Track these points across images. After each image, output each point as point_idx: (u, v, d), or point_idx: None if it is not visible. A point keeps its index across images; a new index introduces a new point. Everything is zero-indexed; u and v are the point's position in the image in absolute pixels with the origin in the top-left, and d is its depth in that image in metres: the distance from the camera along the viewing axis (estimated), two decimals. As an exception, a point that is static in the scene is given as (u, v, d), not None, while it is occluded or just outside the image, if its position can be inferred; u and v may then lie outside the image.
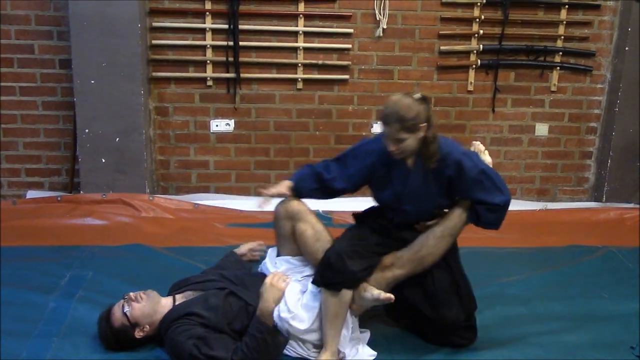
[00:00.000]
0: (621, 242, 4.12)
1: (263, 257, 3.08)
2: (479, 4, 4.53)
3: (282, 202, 2.81)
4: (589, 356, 2.74)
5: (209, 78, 4.53)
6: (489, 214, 2.64)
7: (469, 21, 4.59)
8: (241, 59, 4.50)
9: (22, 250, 3.68)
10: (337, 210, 4.25)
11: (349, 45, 4.56)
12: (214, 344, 2.46)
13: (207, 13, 4.41)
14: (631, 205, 4.80)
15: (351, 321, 2.70)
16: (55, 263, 3.49)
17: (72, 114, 4.42)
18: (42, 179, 4.69)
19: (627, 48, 4.57)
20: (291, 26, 4.50)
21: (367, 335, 2.80)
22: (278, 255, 2.91)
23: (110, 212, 4.31)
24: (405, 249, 2.69)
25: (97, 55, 4.22)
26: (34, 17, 4.38)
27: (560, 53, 4.68)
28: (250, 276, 2.90)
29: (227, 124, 4.65)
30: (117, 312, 2.64)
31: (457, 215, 2.68)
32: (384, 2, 4.46)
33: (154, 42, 4.43)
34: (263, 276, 2.87)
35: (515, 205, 4.67)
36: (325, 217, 4.19)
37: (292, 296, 2.69)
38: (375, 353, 2.71)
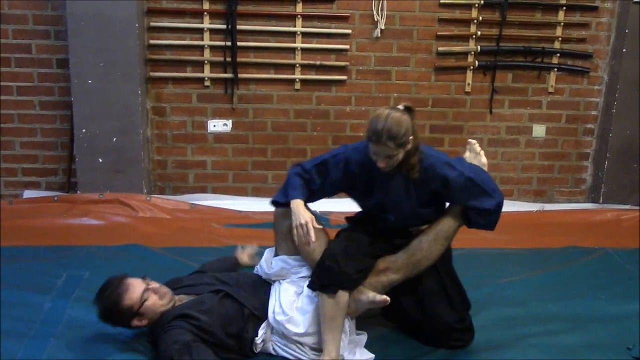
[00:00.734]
0: (618, 244, 4.12)
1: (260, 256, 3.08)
2: (476, 5, 4.53)
3: None
4: (586, 357, 2.74)
5: (206, 78, 4.53)
6: (480, 218, 2.65)
7: (466, 22, 4.59)
8: (239, 59, 4.49)
9: (18, 250, 3.67)
10: (334, 211, 4.24)
11: (347, 46, 4.56)
12: (195, 354, 2.41)
13: (205, 13, 4.41)
14: (628, 207, 4.81)
15: (348, 325, 2.69)
16: (52, 263, 3.49)
17: (70, 113, 4.42)
18: (38, 178, 4.69)
19: (624, 50, 4.57)
20: (289, 27, 4.50)
21: (364, 337, 2.79)
22: (276, 255, 2.91)
23: (107, 212, 4.31)
24: (399, 253, 2.68)
25: (95, 55, 4.22)
26: (31, 17, 4.37)
27: (558, 54, 4.69)
28: (245, 277, 2.89)
29: (225, 124, 4.65)
30: (134, 293, 2.55)
31: (450, 219, 2.68)
32: (382, 3, 4.47)
33: (152, 42, 4.42)
34: (258, 277, 2.87)
35: (512, 207, 4.74)
36: (323, 218, 4.18)
37: (287, 298, 2.69)
38: (373, 355, 2.70)
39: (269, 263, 2.87)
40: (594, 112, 4.86)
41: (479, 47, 4.61)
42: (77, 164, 4.44)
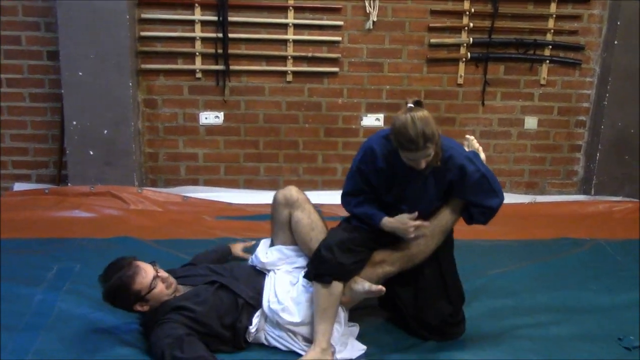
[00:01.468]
0: (609, 235, 4.15)
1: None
2: (469, -4, 4.53)
3: (281, 189, 2.83)
4: (576, 348, 2.75)
5: (198, 70, 4.51)
6: (481, 216, 2.66)
7: (459, 14, 4.58)
8: (230, 51, 4.48)
9: (9, 242, 3.65)
10: (327, 204, 4.24)
11: (339, 38, 4.54)
12: (186, 348, 2.42)
13: (196, 5, 4.39)
14: (619, 199, 4.83)
15: (343, 315, 2.70)
16: (43, 255, 3.48)
17: (60, 106, 4.40)
18: (29, 171, 4.66)
19: (616, 42, 4.57)
20: (281, 18, 4.48)
21: (356, 329, 2.80)
22: (272, 245, 2.91)
23: (99, 205, 4.30)
24: (396, 245, 2.68)
25: (85, 47, 4.19)
26: (21, 8, 4.34)
27: (550, 46, 4.69)
28: (239, 268, 2.89)
29: (217, 116, 4.63)
30: (146, 278, 2.55)
31: (449, 213, 2.68)
32: (374, -5, 4.46)
33: (143, 33, 4.40)
34: (252, 268, 2.86)
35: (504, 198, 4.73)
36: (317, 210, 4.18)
37: (283, 287, 2.70)
38: (365, 347, 2.70)
39: (264, 253, 2.88)
40: (585, 104, 4.87)
41: (471, 39, 4.60)
42: (67, 156, 4.42)
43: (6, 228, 3.90)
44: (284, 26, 4.50)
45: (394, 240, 2.69)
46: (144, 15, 4.38)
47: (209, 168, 4.75)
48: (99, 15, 4.14)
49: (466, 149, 2.81)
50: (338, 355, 2.61)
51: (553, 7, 4.61)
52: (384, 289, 2.59)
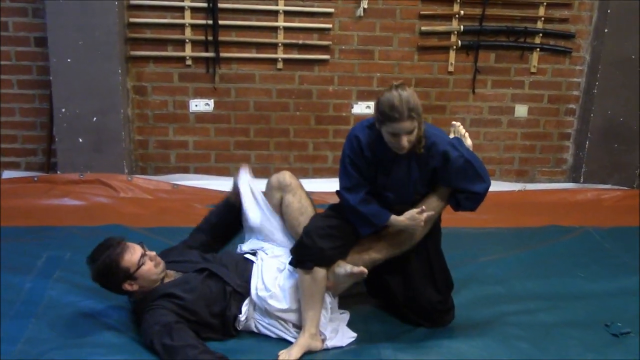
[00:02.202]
0: (598, 223, 4.18)
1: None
2: (460, -16, 4.52)
3: (277, 173, 2.84)
4: (565, 335, 2.78)
5: (188, 57, 4.48)
6: (468, 202, 2.66)
7: (449, 1, 4.57)
8: (221, 38, 4.45)
9: (-2, 230, 3.64)
10: (317, 191, 4.23)
11: (330, 25, 4.53)
12: (175, 335, 2.43)
13: (186, -9, 4.36)
14: (608, 187, 4.86)
15: (329, 302, 2.71)
16: (32, 243, 3.47)
17: (48, 93, 4.36)
18: (18, 158, 4.63)
19: (606, 30, 4.58)
20: (271, 5, 4.46)
21: (346, 316, 2.81)
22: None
23: (88, 193, 4.28)
24: (383, 232, 2.69)
25: (74, 33, 4.15)
26: (8, -6, 4.30)
27: (540, 34, 4.69)
28: (228, 256, 2.89)
29: (207, 103, 4.61)
30: (133, 255, 2.58)
31: (436, 200, 2.68)
32: (365, -18, 4.44)
33: (132, 20, 4.36)
34: (241, 256, 2.85)
35: (494, 186, 4.66)
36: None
37: (270, 274, 2.70)
38: (355, 334, 2.72)
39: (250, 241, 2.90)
40: (575, 93, 4.88)
41: (462, 26, 4.60)
42: (56, 144, 4.39)
43: (-5, 216, 3.88)
44: (275, 13, 4.47)
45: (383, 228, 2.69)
46: (132, 2, 4.34)
47: (199, 156, 4.73)
48: (87, 1, 4.10)
49: (452, 135, 2.81)
50: (329, 343, 2.63)
51: (544, -5, 4.62)
52: (365, 270, 2.59)
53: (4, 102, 4.49)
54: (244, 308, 2.67)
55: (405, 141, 2.40)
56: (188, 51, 4.47)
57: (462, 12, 4.57)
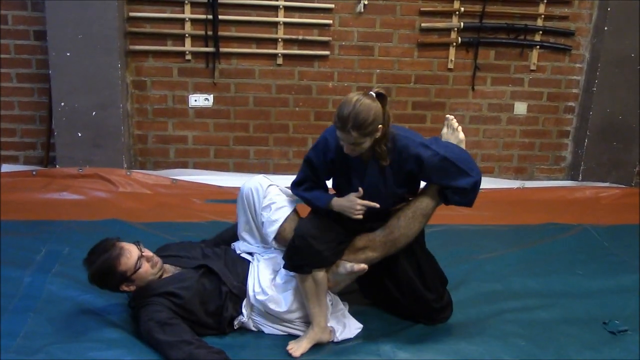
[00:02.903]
0: (596, 221, 4.19)
1: None
2: (460, -19, 4.52)
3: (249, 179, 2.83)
4: (563, 332, 2.79)
5: (187, 52, 4.48)
6: (456, 196, 2.62)
7: (450, -2, 4.57)
8: (220, 33, 4.44)
9: (-4, 224, 3.64)
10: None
11: (330, 21, 4.52)
12: (169, 331, 2.43)
13: (186, -15, 4.35)
14: (607, 184, 4.87)
15: (329, 298, 2.71)
16: (31, 238, 3.47)
17: (48, 86, 4.35)
18: (17, 152, 4.62)
19: (606, 28, 4.58)
20: (271, 0, 4.45)
21: (346, 306, 2.82)
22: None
23: (87, 187, 4.28)
24: (377, 231, 2.68)
25: (73, 27, 4.14)
26: (7, -13, 4.28)
27: (540, 32, 4.68)
28: (228, 253, 2.88)
29: (206, 98, 4.60)
30: (130, 259, 2.56)
31: (427, 198, 2.66)
32: (366, -22, 4.43)
33: (132, 14, 4.35)
34: (238, 256, 2.84)
35: (493, 184, 4.77)
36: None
37: (266, 277, 2.70)
38: (362, 326, 2.74)
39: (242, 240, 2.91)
40: (575, 90, 4.89)
41: (462, 23, 4.59)
42: (55, 138, 4.38)
43: (-7, 210, 3.88)
44: (275, 8, 4.46)
45: (371, 226, 2.68)
46: (132, -4, 4.34)
47: (199, 151, 4.73)
48: (87, -5, 4.10)
49: (445, 129, 2.79)
50: (339, 336, 2.66)
51: (544, -8, 4.62)
52: (366, 266, 2.60)
53: (3, 96, 4.48)
54: (245, 310, 2.67)
55: (346, 148, 2.41)
56: (188, 46, 4.47)
57: (462, 9, 4.56)
